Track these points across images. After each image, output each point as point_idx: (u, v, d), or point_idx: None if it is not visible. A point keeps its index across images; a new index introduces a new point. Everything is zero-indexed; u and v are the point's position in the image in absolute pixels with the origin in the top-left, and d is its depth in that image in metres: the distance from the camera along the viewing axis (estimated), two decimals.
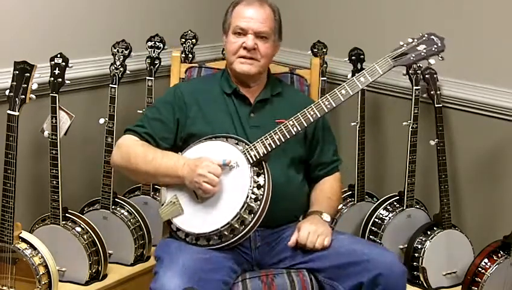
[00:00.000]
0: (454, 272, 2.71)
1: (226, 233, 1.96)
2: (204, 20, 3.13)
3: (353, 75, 2.80)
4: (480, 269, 2.53)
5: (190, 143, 2.12)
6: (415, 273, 2.68)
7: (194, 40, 2.96)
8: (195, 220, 2.01)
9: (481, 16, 2.66)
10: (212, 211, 1.99)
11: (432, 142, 2.65)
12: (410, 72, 2.69)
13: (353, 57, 2.83)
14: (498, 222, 2.72)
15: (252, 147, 2.01)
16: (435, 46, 2.04)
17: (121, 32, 2.76)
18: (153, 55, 2.84)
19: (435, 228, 2.69)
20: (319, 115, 2.02)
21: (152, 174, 2.06)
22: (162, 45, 2.84)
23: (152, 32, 2.86)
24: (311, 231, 2.02)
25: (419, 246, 2.67)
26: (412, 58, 2.03)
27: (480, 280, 2.51)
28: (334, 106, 2.01)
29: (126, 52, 2.69)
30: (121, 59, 2.68)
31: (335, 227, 2.86)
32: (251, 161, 2.00)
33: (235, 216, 1.94)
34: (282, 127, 2.02)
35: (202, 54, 3.11)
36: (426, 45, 2.04)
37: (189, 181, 1.98)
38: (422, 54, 2.03)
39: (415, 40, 2.06)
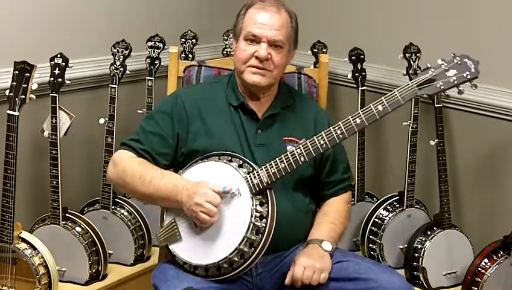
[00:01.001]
0: (454, 272, 2.70)
1: (225, 266, 1.84)
2: (204, 20, 3.13)
3: (353, 75, 2.83)
4: (480, 269, 2.53)
5: (192, 159, 1.98)
6: (415, 273, 2.68)
7: (194, 40, 2.95)
8: (193, 249, 1.89)
9: (481, 16, 2.66)
10: (210, 242, 1.86)
11: (432, 142, 2.65)
12: (410, 72, 2.68)
13: (353, 57, 2.83)
14: (498, 222, 2.72)
15: (256, 174, 1.86)
16: (467, 72, 1.82)
17: (121, 32, 2.76)
18: (153, 55, 2.84)
19: (435, 228, 2.69)
20: (329, 146, 1.86)
21: (149, 196, 1.94)
22: (162, 45, 2.84)
23: (152, 32, 2.86)
24: (307, 266, 1.87)
25: (419, 246, 2.67)
26: (439, 86, 1.82)
27: (480, 280, 2.51)
28: (347, 136, 1.85)
29: (126, 52, 2.69)
30: (121, 59, 2.68)
31: None
32: (253, 191, 1.85)
33: (234, 250, 1.81)
34: (289, 156, 1.86)
35: (202, 54, 3.11)
36: (457, 70, 1.82)
37: (187, 208, 1.85)
38: (452, 80, 1.81)
39: (445, 63, 1.83)
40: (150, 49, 2.84)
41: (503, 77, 2.63)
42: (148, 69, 2.84)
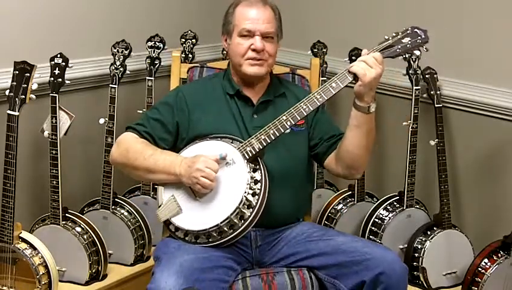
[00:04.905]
0: (454, 272, 2.71)
1: (225, 229, 1.97)
2: (204, 20, 3.13)
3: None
4: (480, 269, 2.53)
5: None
6: (415, 273, 2.68)
7: (194, 40, 2.96)
8: (194, 217, 2.02)
9: (481, 16, 2.66)
10: (210, 208, 2.00)
11: (432, 142, 2.65)
12: (410, 72, 2.69)
13: (353, 57, 2.83)
14: (498, 222, 2.72)
15: (248, 143, 2.03)
16: (419, 38, 2.06)
17: (121, 32, 2.76)
18: (153, 55, 2.84)
19: (435, 228, 2.69)
20: (311, 109, 2.02)
21: (149, 170, 2.07)
22: (162, 45, 2.84)
23: (152, 32, 2.86)
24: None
25: (419, 246, 2.67)
26: (398, 50, 2.05)
27: (480, 280, 2.51)
28: (326, 98, 2.03)
29: (126, 52, 2.69)
30: (121, 59, 2.68)
31: (335, 228, 2.87)
32: (247, 157, 2.01)
33: (234, 211, 1.95)
34: (276, 122, 2.02)
35: (202, 54, 3.12)
36: (411, 37, 2.07)
37: (187, 177, 1.99)
38: (408, 46, 2.06)
39: (400, 33, 2.09)
40: (150, 49, 2.84)
41: (503, 77, 2.63)
42: (148, 69, 2.84)
